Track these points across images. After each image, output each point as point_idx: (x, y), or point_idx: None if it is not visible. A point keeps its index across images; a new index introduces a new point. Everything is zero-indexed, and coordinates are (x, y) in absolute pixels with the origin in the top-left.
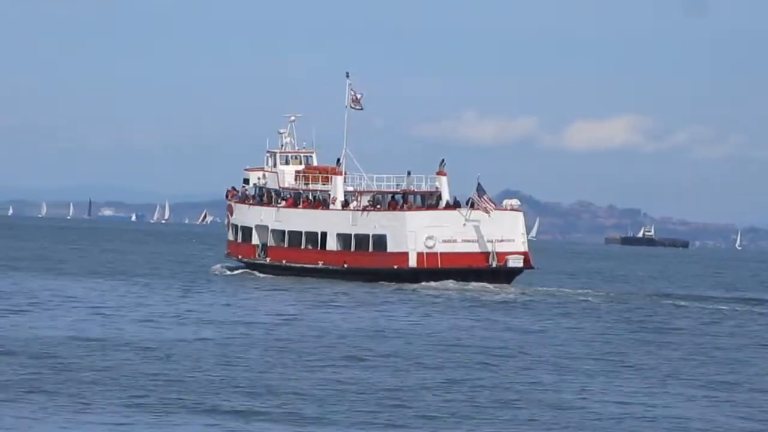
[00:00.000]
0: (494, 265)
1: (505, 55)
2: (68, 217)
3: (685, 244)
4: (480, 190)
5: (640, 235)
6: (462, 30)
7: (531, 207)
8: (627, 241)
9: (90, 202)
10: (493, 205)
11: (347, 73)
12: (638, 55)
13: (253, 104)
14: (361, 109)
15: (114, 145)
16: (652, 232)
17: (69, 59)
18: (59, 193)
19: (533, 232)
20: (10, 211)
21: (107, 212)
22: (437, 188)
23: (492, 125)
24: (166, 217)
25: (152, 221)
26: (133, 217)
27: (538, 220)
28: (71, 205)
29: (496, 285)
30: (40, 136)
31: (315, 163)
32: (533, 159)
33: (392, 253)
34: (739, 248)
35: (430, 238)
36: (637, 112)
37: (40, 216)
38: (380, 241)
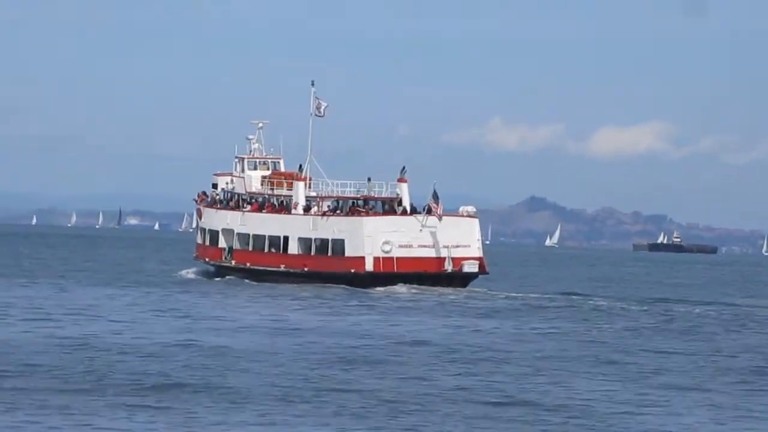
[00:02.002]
0: (450, 270)
1: (532, 63)
2: (97, 227)
3: (714, 250)
4: (435, 197)
5: (669, 241)
6: (487, 38)
7: (556, 213)
8: (654, 247)
9: (120, 211)
10: (440, 211)
11: (312, 81)
12: (664, 62)
13: (286, 112)
14: (323, 116)
15: (144, 154)
16: (680, 239)
17: (99, 68)
18: (89, 201)
19: (554, 239)
20: (34, 221)
21: (133, 221)
22: (398, 195)
23: (517, 132)
24: (194, 225)
25: (180, 229)
26: (156, 226)
27: (559, 226)
28: (100, 214)
29: (454, 289)
30: (70, 146)
31: (282, 169)
32: (558, 166)
33: (350, 258)
34: (766, 254)
35: (386, 243)
36: (662, 119)
37: (69, 225)
38: (339, 245)
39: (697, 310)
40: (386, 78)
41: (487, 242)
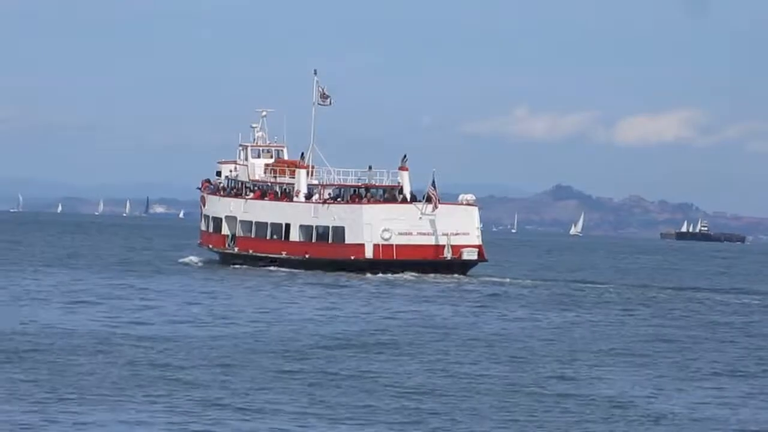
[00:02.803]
0: (449, 257)
1: (558, 51)
2: (124, 215)
3: (742, 239)
4: (433, 185)
5: (696, 230)
6: (513, 25)
7: (583, 202)
8: (682, 236)
9: (147, 199)
10: (437, 200)
11: (315, 70)
12: (691, 50)
13: (297, 99)
14: (329, 104)
15: (171, 143)
16: (707, 227)
17: (127, 58)
18: (116, 190)
19: (578, 228)
20: (59, 209)
21: (159, 209)
22: (399, 183)
23: (544, 121)
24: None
25: None
26: (181, 214)
27: (582, 215)
28: (128, 202)
29: (454, 276)
30: (98, 134)
31: (286, 157)
32: (585, 154)
33: (350, 245)
34: None
35: (386, 230)
36: (689, 107)
37: (96, 213)
38: (339, 232)
39: None
40: (410, 65)
41: (513, 231)
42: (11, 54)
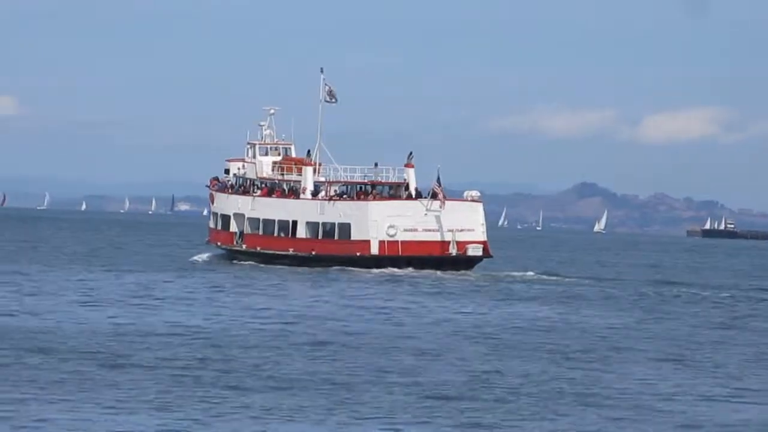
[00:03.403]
0: (454, 253)
1: (582, 48)
2: (150, 212)
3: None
4: (438, 182)
5: (722, 227)
6: (538, 22)
7: (606, 199)
8: (708, 233)
9: (173, 197)
10: (442, 196)
11: (321, 68)
12: (716, 46)
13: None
14: (336, 102)
15: (197, 141)
16: (734, 225)
17: (152, 56)
18: (141, 188)
19: (601, 225)
20: (83, 206)
21: (184, 207)
22: (405, 179)
23: (568, 118)
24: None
25: None
26: (205, 212)
27: (606, 212)
28: (153, 200)
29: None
30: (120, 132)
31: (293, 155)
32: (610, 151)
33: (356, 241)
34: None
35: (391, 227)
36: (715, 103)
37: (122, 212)
38: (345, 229)
39: None
40: (431, 63)
41: (538, 228)
42: (32, 52)
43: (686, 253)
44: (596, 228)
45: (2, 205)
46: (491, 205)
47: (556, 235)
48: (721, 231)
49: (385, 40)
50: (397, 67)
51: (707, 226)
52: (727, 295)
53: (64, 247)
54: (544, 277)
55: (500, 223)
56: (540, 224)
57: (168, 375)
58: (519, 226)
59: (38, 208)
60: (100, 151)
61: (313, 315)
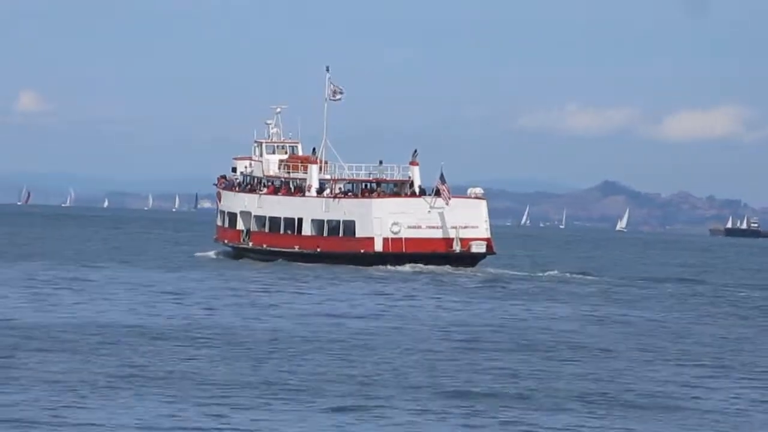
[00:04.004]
0: (458, 250)
1: (607, 46)
2: (174, 210)
3: None
4: (442, 179)
5: (745, 226)
6: (564, 21)
7: (630, 197)
8: (731, 232)
9: (197, 195)
10: (449, 194)
11: (327, 67)
12: (740, 44)
13: (357, 94)
14: (340, 100)
15: (219, 138)
16: (757, 224)
17: (176, 53)
18: (165, 185)
19: (623, 223)
20: (105, 204)
21: (206, 204)
22: (409, 177)
23: (592, 116)
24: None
25: None
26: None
27: (627, 211)
28: (176, 197)
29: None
30: (143, 129)
31: (300, 153)
32: (632, 150)
33: (360, 238)
34: None
35: (395, 224)
36: (739, 102)
37: (146, 209)
38: (349, 226)
39: None
40: (458, 60)
41: (561, 226)
42: (56, 48)
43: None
44: (618, 226)
45: (26, 202)
46: (514, 203)
47: (582, 234)
48: (744, 230)
49: (406, 37)
50: (419, 64)
51: (729, 225)
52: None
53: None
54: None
55: (523, 221)
56: (563, 222)
57: None
58: (542, 224)
59: (62, 205)
60: (122, 148)
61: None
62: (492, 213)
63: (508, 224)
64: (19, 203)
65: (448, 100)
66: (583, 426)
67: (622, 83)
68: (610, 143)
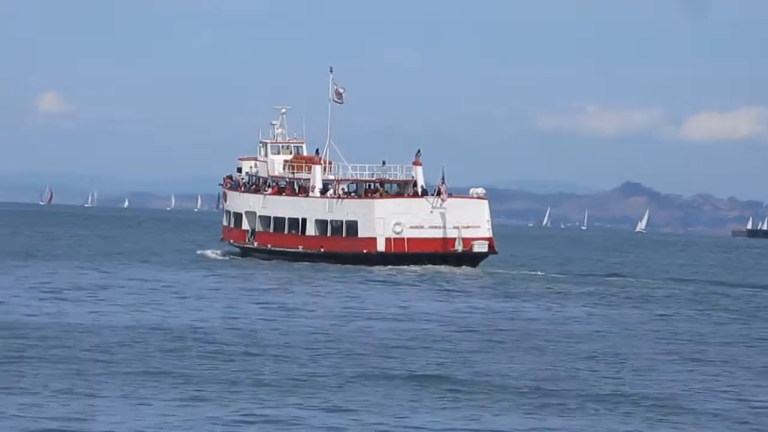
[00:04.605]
0: (460, 250)
1: (628, 47)
2: (195, 210)
3: None
4: (443, 179)
5: (767, 227)
6: (585, 22)
7: (651, 199)
8: (754, 233)
9: (218, 195)
10: (446, 194)
11: (330, 68)
12: (763, 45)
13: (375, 95)
14: (342, 102)
15: (236, 138)
16: None
17: (194, 53)
18: (187, 185)
19: (642, 225)
20: (126, 204)
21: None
22: (413, 177)
23: (613, 117)
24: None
25: None
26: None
27: (647, 212)
28: (198, 197)
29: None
30: (167, 129)
31: (305, 153)
32: (654, 151)
33: (362, 239)
34: None
35: (398, 224)
36: (760, 103)
37: (168, 209)
38: (352, 226)
39: None
40: (480, 60)
41: (583, 228)
42: (77, 48)
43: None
44: (637, 228)
45: (49, 202)
46: (535, 204)
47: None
48: (767, 231)
49: (427, 36)
50: (438, 64)
51: (749, 226)
52: None
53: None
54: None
55: (544, 222)
56: (585, 224)
57: None
58: (562, 225)
59: (85, 205)
60: (142, 149)
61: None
62: (512, 214)
63: (530, 225)
64: (41, 203)
65: (467, 101)
66: None
67: (643, 84)
68: (632, 144)
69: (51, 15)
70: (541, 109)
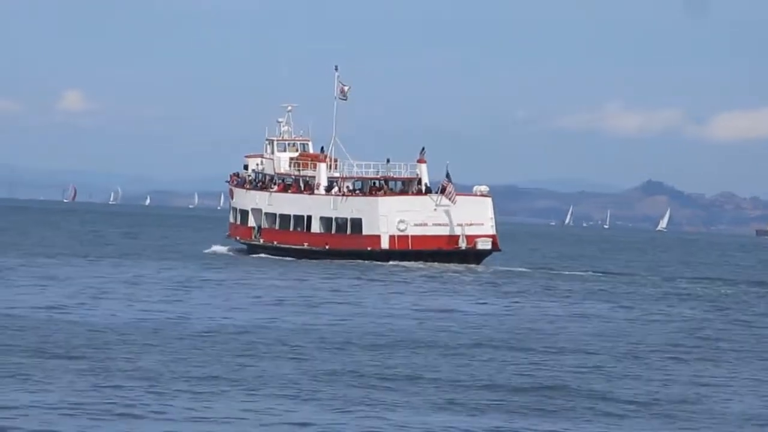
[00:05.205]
0: (464, 247)
1: (651, 46)
2: (218, 208)
3: None
4: (448, 177)
5: None
6: (607, 21)
7: (673, 198)
8: None
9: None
10: (454, 193)
11: (336, 66)
12: None
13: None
14: (346, 99)
15: (255, 136)
16: None
17: (214, 52)
18: (209, 183)
19: (663, 223)
20: (147, 201)
21: None
22: (417, 175)
23: (636, 116)
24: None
25: None
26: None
27: (668, 211)
28: (222, 195)
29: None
30: (189, 127)
31: (311, 151)
32: (677, 150)
33: (367, 236)
34: None
35: (402, 221)
36: None
37: (191, 207)
38: (357, 224)
39: None
40: (501, 59)
41: (606, 226)
42: (100, 47)
43: None
44: (659, 227)
45: (72, 199)
46: (557, 202)
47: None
48: None
49: (448, 36)
50: (463, 64)
51: None
52: None
53: None
54: None
55: (566, 221)
56: (608, 222)
57: None
58: (584, 224)
59: (109, 203)
60: (164, 147)
61: None
62: (534, 212)
63: (552, 224)
64: (65, 200)
65: (491, 101)
66: None
67: (666, 83)
68: (654, 143)
69: (72, 14)
70: (564, 108)
